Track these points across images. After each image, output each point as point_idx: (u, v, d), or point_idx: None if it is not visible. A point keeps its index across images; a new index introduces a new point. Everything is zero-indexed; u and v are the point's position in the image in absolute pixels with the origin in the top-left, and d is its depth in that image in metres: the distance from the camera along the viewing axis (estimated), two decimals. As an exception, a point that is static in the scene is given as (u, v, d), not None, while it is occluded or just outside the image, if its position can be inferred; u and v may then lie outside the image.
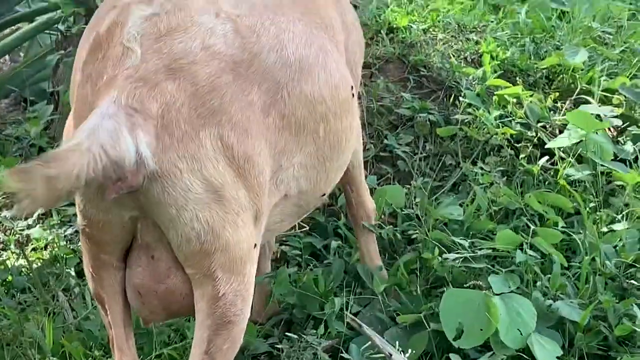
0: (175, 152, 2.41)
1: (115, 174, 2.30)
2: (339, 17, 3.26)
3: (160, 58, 2.45)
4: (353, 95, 3.08)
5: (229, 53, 2.55)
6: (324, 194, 3.14)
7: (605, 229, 3.77)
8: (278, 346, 3.40)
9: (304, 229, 3.96)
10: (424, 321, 3.36)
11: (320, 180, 2.99)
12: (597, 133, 4.09)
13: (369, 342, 3.30)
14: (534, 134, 4.22)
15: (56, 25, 5.74)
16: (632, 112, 4.38)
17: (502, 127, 4.19)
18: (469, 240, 3.66)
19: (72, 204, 4.31)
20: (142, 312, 2.75)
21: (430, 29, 4.96)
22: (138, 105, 2.37)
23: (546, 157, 4.11)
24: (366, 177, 4.09)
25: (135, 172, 2.32)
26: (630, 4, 6.25)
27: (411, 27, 4.83)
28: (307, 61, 2.79)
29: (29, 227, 4.37)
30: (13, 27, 6.35)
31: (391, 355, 3.21)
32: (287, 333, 3.41)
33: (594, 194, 3.95)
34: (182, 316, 3.10)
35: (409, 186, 4.03)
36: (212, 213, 2.49)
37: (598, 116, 4.23)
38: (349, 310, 3.47)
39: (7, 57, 7.06)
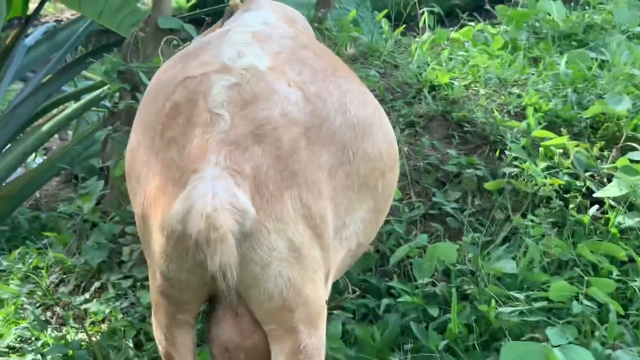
0: (264, 212, 2.55)
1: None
2: None
3: (247, 124, 2.61)
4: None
5: (302, 119, 2.70)
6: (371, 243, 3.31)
7: (660, 276, 3.76)
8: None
9: (357, 293, 3.98)
10: (484, 376, 3.38)
11: (373, 232, 3.15)
12: (646, 181, 4.09)
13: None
14: (582, 183, 4.22)
15: (102, 102, 5.88)
16: (682, 158, 4.35)
17: (550, 178, 4.19)
18: (523, 293, 3.66)
19: (127, 277, 4.41)
20: None
21: (472, 85, 4.98)
22: (236, 166, 2.53)
23: (596, 206, 4.09)
24: (416, 235, 4.14)
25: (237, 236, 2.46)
26: (670, 49, 6.24)
27: (452, 84, 4.85)
28: (368, 121, 2.93)
29: (86, 301, 4.41)
30: (60, 107, 6.51)
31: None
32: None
33: (647, 242, 3.94)
34: None
35: (460, 242, 4.04)
36: (293, 271, 2.60)
37: (646, 163, 4.23)
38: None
39: (55, 135, 7.22)
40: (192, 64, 2.87)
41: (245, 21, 3.16)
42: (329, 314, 3.83)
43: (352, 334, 3.73)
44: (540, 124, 4.59)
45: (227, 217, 2.41)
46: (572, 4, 7.89)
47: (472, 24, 6.43)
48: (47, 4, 6.88)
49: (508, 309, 3.58)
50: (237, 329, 2.73)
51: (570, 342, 3.39)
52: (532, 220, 4.07)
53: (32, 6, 6.95)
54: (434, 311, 3.74)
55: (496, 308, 3.59)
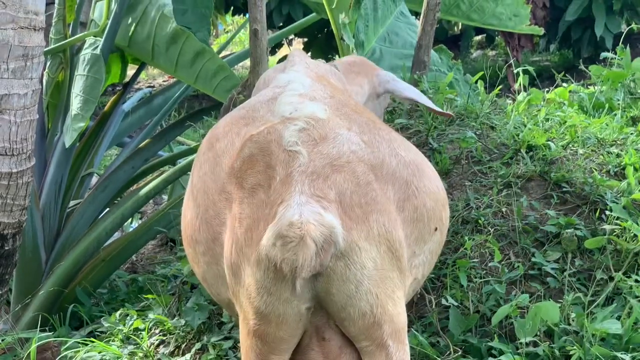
0: (355, 232, 2.82)
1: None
2: None
3: (322, 158, 2.91)
4: None
5: (366, 158, 3.00)
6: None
7: None
8: None
9: (458, 353, 4.00)
10: None
11: (432, 265, 3.41)
12: None
13: None
14: (687, 243, 4.19)
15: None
16: None
17: (653, 237, 4.17)
18: (629, 355, 3.65)
19: (228, 338, 4.49)
20: None
21: (570, 145, 5.00)
22: (321, 193, 2.80)
23: (703, 267, 4.07)
24: (517, 295, 4.15)
25: (327, 250, 2.71)
26: None
27: (550, 144, 4.88)
28: (417, 160, 3.24)
29: (187, 363, 4.51)
30: (156, 172, 6.68)
31: None
32: None
33: None
34: None
35: (561, 301, 4.04)
36: (379, 289, 2.86)
37: None
38: None
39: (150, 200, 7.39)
40: (249, 128, 3.19)
41: (284, 84, 3.46)
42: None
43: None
44: (641, 183, 4.59)
45: (311, 227, 2.67)
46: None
47: (565, 84, 6.46)
48: (140, 70, 7.08)
49: (614, 370, 3.58)
50: (323, 353, 2.97)
51: (679, 404, 3.38)
52: (636, 280, 4.06)
53: (129, 72, 7.19)
54: (537, 372, 3.75)
55: (602, 369, 3.59)
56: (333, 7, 5.95)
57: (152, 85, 14.35)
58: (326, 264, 2.75)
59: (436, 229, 3.26)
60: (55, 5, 6.23)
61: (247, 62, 6.89)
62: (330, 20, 6.02)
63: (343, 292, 2.83)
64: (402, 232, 3.02)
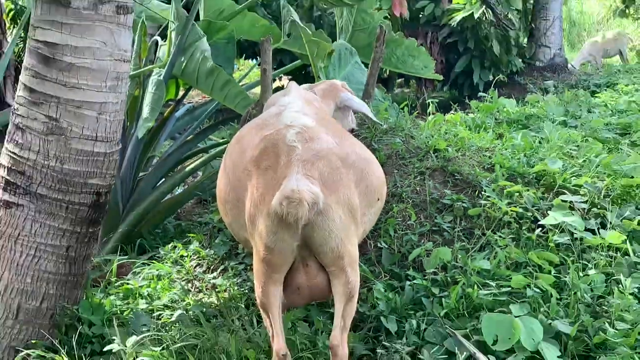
0: (329, 198, 2.83)
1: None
2: None
3: (310, 151, 2.92)
4: None
5: (337, 152, 3.00)
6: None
7: (581, 274, 3.73)
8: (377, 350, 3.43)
9: (387, 277, 3.97)
10: (469, 334, 3.37)
11: (375, 221, 3.46)
12: (572, 214, 4.09)
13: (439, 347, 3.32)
14: (531, 214, 4.20)
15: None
16: (594, 199, 4.32)
17: (511, 209, 4.17)
18: (495, 282, 3.66)
19: (241, 263, 4.43)
20: (295, 301, 3.08)
21: (460, 149, 4.99)
22: (309, 173, 2.82)
23: (540, 229, 4.08)
24: (424, 242, 4.13)
25: (313, 208, 2.74)
26: (582, 131, 6.20)
27: (448, 149, 4.87)
28: (368, 156, 3.27)
29: (214, 278, 4.46)
30: (196, 157, 6.58)
31: (475, 353, 3.23)
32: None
33: (573, 252, 3.91)
34: (315, 301, 3.45)
35: (452, 247, 4.04)
36: (343, 234, 2.88)
37: (571, 202, 4.22)
38: (421, 327, 3.48)
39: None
40: (263, 131, 3.16)
41: (285, 104, 3.44)
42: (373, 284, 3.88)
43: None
44: (504, 175, 4.59)
45: (305, 193, 2.69)
46: (519, 100, 7.90)
47: (455, 112, 6.47)
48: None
49: (485, 292, 3.58)
50: (306, 274, 2.97)
51: (525, 314, 3.38)
52: (500, 236, 4.06)
53: (181, 92, 7.04)
54: (436, 291, 3.74)
55: (477, 291, 3.59)
56: (314, 56, 5.90)
57: (191, 102, 14.15)
58: (311, 218, 2.76)
59: (378, 199, 3.27)
60: (134, 47, 6.11)
61: (257, 90, 6.80)
62: (311, 65, 5.97)
63: (321, 236, 2.84)
64: (358, 200, 3.01)
